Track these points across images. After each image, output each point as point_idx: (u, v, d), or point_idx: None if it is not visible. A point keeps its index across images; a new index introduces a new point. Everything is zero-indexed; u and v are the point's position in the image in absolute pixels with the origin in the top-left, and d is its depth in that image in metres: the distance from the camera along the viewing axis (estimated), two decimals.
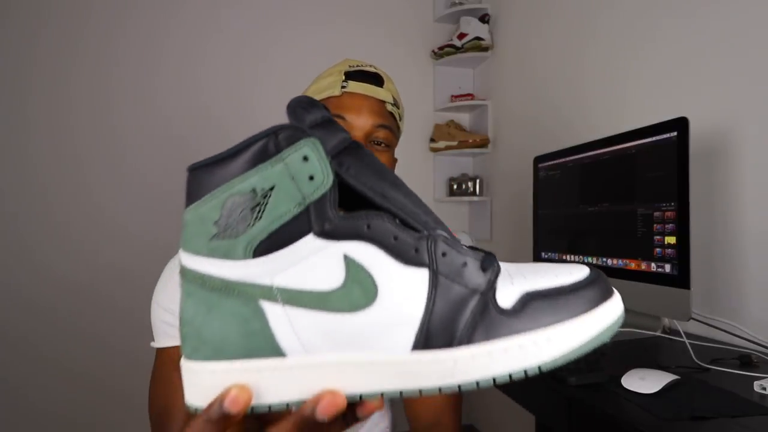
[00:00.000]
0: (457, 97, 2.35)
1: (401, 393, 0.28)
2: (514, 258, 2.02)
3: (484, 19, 2.27)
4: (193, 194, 0.29)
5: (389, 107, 0.72)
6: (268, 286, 0.28)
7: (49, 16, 1.97)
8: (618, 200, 1.17)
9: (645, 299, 1.08)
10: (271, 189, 0.28)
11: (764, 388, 0.77)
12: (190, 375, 0.29)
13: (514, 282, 0.30)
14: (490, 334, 0.28)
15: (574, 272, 0.30)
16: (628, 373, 0.81)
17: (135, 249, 2.03)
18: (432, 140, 2.39)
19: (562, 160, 1.39)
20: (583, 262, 1.28)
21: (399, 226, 0.29)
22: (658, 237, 1.05)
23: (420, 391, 0.28)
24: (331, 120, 0.30)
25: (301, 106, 0.30)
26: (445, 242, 0.29)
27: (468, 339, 0.28)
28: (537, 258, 1.51)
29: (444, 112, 2.44)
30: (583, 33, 1.66)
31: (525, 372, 0.28)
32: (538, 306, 0.28)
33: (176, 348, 0.66)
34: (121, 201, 2.04)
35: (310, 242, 0.28)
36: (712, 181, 1.17)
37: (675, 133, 1.00)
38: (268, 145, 0.28)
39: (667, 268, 1.02)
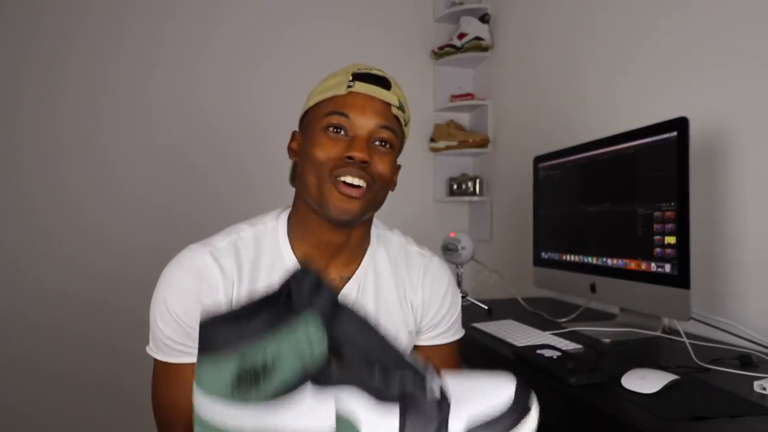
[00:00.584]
0: (457, 97, 2.35)
1: None
2: (515, 258, 2.02)
3: (484, 19, 2.27)
4: (208, 343, 0.35)
5: (395, 110, 0.71)
6: (275, 428, 0.35)
7: (39, 18, 1.95)
8: (618, 200, 1.17)
9: (645, 299, 1.08)
10: (280, 355, 0.34)
11: (764, 388, 0.77)
12: None
13: (460, 408, 0.38)
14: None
15: (502, 389, 0.39)
16: (628, 373, 0.81)
17: (120, 254, 2.01)
18: (432, 140, 2.38)
19: (562, 160, 1.39)
20: (583, 263, 1.28)
21: (378, 374, 0.37)
22: (658, 237, 1.05)
23: None
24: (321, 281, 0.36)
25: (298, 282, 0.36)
26: (412, 388, 0.37)
27: None
28: (537, 258, 1.51)
29: (444, 112, 2.43)
30: (583, 33, 1.66)
31: None
32: None
33: (171, 365, 0.68)
34: (106, 206, 2.02)
35: (307, 390, 0.35)
36: (712, 181, 1.17)
37: (675, 133, 1.00)
38: (283, 310, 0.35)
39: (667, 268, 1.02)
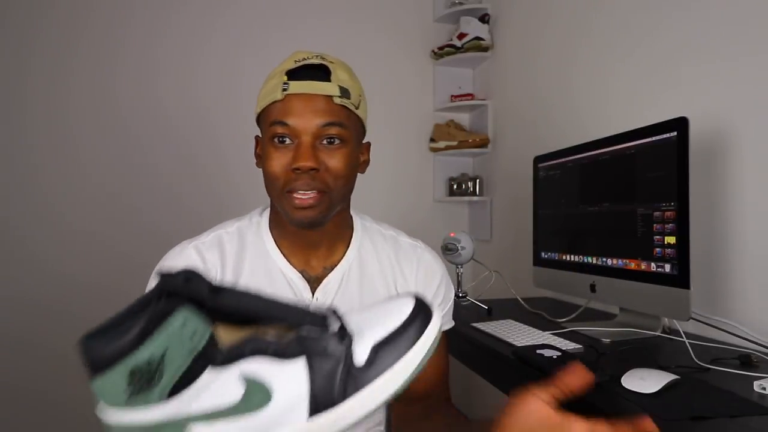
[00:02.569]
0: (457, 97, 2.35)
1: None
2: (515, 258, 2.02)
3: (484, 19, 2.27)
4: (92, 365, 0.32)
5: (338, 101, 0.69)
6: (187, 415, 0.34)
7: (4, 16, 1.95)
8: (618, 200, 1.17)
9: (645, 299, 1.08)
10: (164, 354, 0.33)
11: (764, 388, 0.77)
12: None
13: (364, 336, 0.38)
14: (358, 386, 0.37)
15: (403, 308, 0.40)
16: (628, 373, 0.81)
17: (89, 258, 2.00)
18: (432, 140, 2.38)
19: (562, 160, 1.39)
20: (582, 263, 1.28)
21: (271, 336, 0.36)
22: (658, 237, 1.05)
23: None
24: (194, 273, 0.36)
25: (168, 279, 0.35)
26: (308, 331, 0.36)
27: (344, 396, 0.36)
28: (537, 258, 1.51)
29: (444, 112, 2.43)
30: (583, 33, 1.66)
31: (385, 402, 0.37)
32: (384, 353, 0.38)
33: None
34: (80, 208, 2.00)
35: (209, 374, 0.35)
36: (712, 181, 1.17)
37: (675, 133, 1.00)
38: (149, 323, 0.33)
39: (667, 268, 1.02)
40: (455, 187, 2.37)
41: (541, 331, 1.14)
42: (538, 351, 0.94)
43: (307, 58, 0.71)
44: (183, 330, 0.34)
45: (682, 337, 1.02)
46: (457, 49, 2.29)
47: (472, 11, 2.31)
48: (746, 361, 0.92)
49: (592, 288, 1.25)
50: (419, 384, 0.76)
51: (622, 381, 0.80)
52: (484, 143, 2.26)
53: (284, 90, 0.68)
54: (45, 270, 1.96)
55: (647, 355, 0.99)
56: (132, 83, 2.06)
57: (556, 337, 1.09)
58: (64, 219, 1.98)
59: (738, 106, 1.12)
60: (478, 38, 2.25)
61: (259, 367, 0.35)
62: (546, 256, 1.47)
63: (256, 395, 0.35)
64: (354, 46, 2.31)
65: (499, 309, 1.48)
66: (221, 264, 0.73)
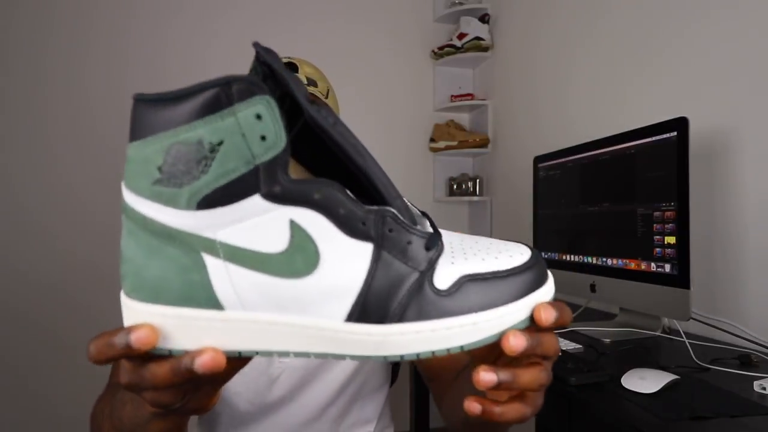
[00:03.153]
0: (457, 97, 2.35)
1: (326, 356, 0.29)
2: None
3: (484, 19, 2.27)
4: (137, 130, 0.27)
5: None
6: (211, 239, 0.27)
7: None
8: (618, 200, 1.17)
9: (645, 299, 1.08)
10: (220, 144, 0.26)
11: (764, 388, 0.77)
12: (128, 312, 0.29)
13: (455, 262, 0.30)
14: (421, 314, 0.29)
15: (515, 255, 0.31)
16: (628, 373, 0.81)
17: (58, 259, 1.99)
18: (432, 140, 2.38)
19: (562, 160, 1.39)
20: (582, 263, 1.29)
21: (350, 198, 0.28)
22: (658, 237, 1.05)
23: (347, 357, 0.29)
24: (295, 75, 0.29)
25: (268, 52, 0.28)
26: (393, 219, 0.29)
27: (400, 316, 0.28)
28: None
29: (444, 112, 2.44)
30: (583, 33, 1.66)
31: (447, 350, 0.29)
32: (472, 289, 0.29)
33: None
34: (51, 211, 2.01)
35: (256, 203, 0.27)
36: (712, 181, 1.17)
37: (675, 133, 1.00)
38: (219, 95, 0.26)
39: (667, 268, 1.02)
40: (455, 187, 2.37)
41: None
42: None
43: None
44: (254, 125, 0.26)
45: (682, 337, 1.02)
46: (457, 49, 2.29)
47: (472, 11, 2.31)
48: (746, 361, 0.92)
49: (592, 288, 1.25)
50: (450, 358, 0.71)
51: (622, 381, 0.80)
52: (484, 143, 2.26)
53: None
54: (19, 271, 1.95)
55: (647, 355, 0.99)
56: (132, 83, 2.06)
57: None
58: (33, 219, 1.98)
59: (738, 106, 1.12)
60: (478, 38, 2.25)
61: (317, 224, 0.28)
62: (546, 256, 1.47)
63: (299, 256, 0.28)
64: (354, 47, 2.31)
65: None
66: None
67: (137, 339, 0.28)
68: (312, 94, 0.27)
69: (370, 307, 0.28)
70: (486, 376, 0.30)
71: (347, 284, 0.28)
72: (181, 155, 0.26)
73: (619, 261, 1.16)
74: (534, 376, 0.32)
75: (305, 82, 0.71)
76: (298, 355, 0.29)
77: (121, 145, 2.04)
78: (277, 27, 2.21)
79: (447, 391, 0.68)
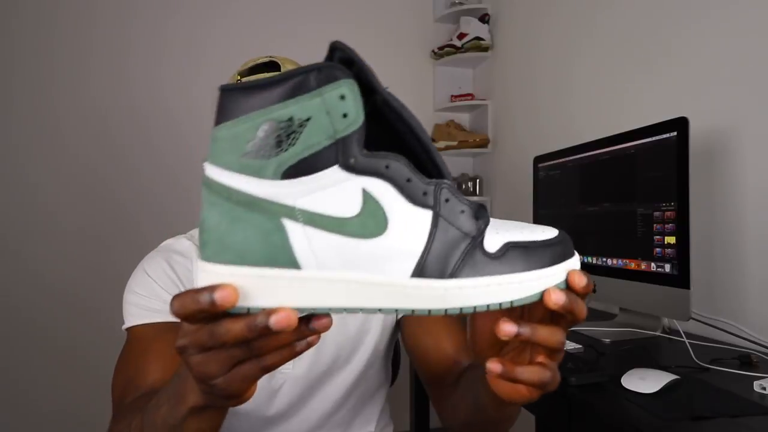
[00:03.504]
0: (457, 97, 2.35)
1: (396, 311, 0.33)
2: None
3: (484, 19, 2.27)
4: (226, 113, 0.31)
5: None
6: (291, 206, 0.31)
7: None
8: (618, 200, 1.17)
9: (645, 299, 1.08)
10: (307, 120, 0.30)
11: (764, 388, 0.77)
12: (207, 275, 0.31)
13: (499, 232, 0.35)
14: (475, 272, 0.33)
15: (546, 232, 0.37)
16: (628, 373, 0.81)
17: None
18: (432, 140, 2.38)
19: (562, 160, 1.39)
20: (583, 263, 1.28)
21: (413, 170, 0.33)
22: (658, 237, 1.05)
23: (413, 311, 0.33)
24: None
25: (344, 46, 0.33)
26: (449, 190, 0.34)
27: (457, 274, 0.33)
28: None
29: (444, 112, 2.44)
30: (583, 33, 1.66)
31: (500, 305, 0.33)
32: (516, 254, 0.34)
33: (145, 326, 0.69)
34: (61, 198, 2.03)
35: (335, 173, 0.31)
36: (712, 181, 1.17)
37: (675, 133, 1.00)
38: (309, 79, 0.30)
39: (667, 268, 1.02)
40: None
41: None
42: None
43: (256, 60, 0.76)
44: (338, 104, 0.30)
45: (682, 337, 1.02)
46: (457, 49, 2.29)
47: (472, 11, 2.31)
48: (746, 361, 0.92)
49: (593, 288, 1.25)
50: (441, 355, 0.73)
51: (622, 381, 0.80)
52: (484, 143, 2.26)
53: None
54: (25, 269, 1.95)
55: (647, 355, 0.99)
56: (132, 84, 2.06)
57: None
58: (53, 219, 1.98)
59: (738, 106, 1.12)
60: (478, 38, 2.25)
61: (386, 193, 0.32)
62: None
63: (370, 220, 0.32)
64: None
65: None
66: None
67: (221, 297, 0.30)
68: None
69: (431, 266, 0.33)
70: (507, 326, 0.35)
71: (411, 245, 0.32)
72: (272, 130, 0.30)
73: (619, 261, 1.16)
74: (552, 332, 0.36)
75: None
76: (366, 311, 0.33)
77: (124, 143, 2.04)
78: (277, 27, 2.21)
79: (447, 395, 0.68)
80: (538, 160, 1.51)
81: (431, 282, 0.33)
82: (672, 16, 1.30)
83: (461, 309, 0.33)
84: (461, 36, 2.27)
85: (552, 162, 1.44)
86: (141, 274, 0.72)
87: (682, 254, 0.98)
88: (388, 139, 0.34)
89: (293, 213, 0.31)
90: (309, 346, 0.34)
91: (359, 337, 0.79)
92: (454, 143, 2.30)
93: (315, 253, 0.31)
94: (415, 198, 0.33)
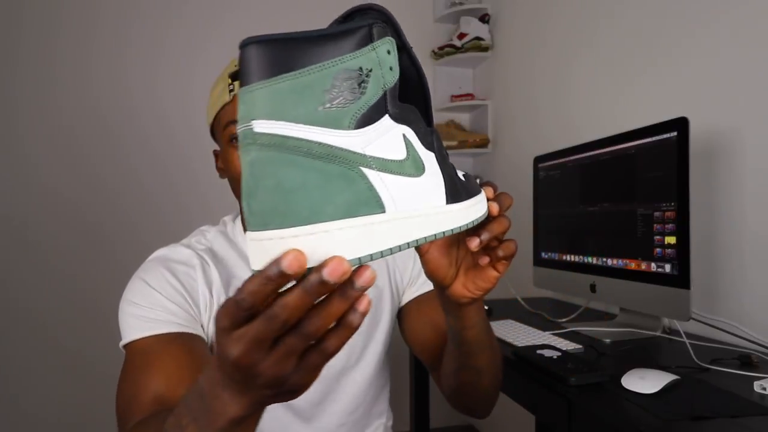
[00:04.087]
0: (457, 97, 2.35)
1: (444, 233, 0.39)
2: (515, 258, 2.02)
3: (484, 19, 2.27)
4: (285, 63, 0.30)
5: None
6: (363, 154, 0.32)
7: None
8: (618, 200, 1.17)
9: (645, 299, 1.08)
10: (370, 71, 0.32)
11: (764, 388, 0.77)
12: (274, 244, 0.30)
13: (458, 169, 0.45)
14: (471, 193, 0.43)
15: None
16: (628, 373, 0.81)
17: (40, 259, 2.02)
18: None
19: (562, 160, 1.39)
20: (583, 263, 1.29)
21: (422, 120, 0.38)
22: (658, 237, 1.05)
23: (453, 230, 0.40)
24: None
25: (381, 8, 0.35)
26: (437, 137, 0.40)
27: (466, 195, 0.42)
28: (537, 258, 1.51)
29: (444, 112, 2.44)
30: (584, 33, 1.66)
31: (471, 224, 0.42)
32: (469, 182, 0.45)
33: (147, 339, 0.65)
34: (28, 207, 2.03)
35: (386, 121, 0.34)
36: (712, 181, 1.17)
37: (675, 133, 1.00)
38: (368, 34, 0.32)
39: (667, 268, 1.02)
40: None
41: (541, 332, 1.14)
42: (538, 351, 0.95)
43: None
44: (386, 58, 0.33)
45: (682, 337, 1.02)
46: (457, 49, 2.29)
47: (472, 11, 2.31)
48: (746, 361, 0.92)
49: (592, 288, 1.25)
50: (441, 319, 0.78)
51: (622, 381, 0.80)
52: (484, 143, 2.26)
53: (231, 91, 0.69)
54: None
55: (647, 355, 0.99)
56: (132, 82, 2.06)
57: (557, 338, 1.09)
58: (51, 220, 1.98)
59: (738, 106, 1.12)
60: (478, 38, 2.25)
61: (414, 139, 0.36)
62: (546, 256, 1.47)
63: (411, 162, 0.35)
64: None
65: (499, 309, 1.48)
66: (218, 274, 0.72)
67: (289, 264, 0.28)
68: None
69: (451, 193, 0.40)
70: (473, 241, 0.47)
71: (437, 180, 0.38)
72: (347, 79, 0.31)
73: (619, 261, 1.16)
74: (501, 223, 0.48)
75: None
76: (429, 239, 0.37)
77: (124, 143, 2.04)
78: (277, 27, 2.21)
79: (440, 368, 0.75)
80: (538, 160, 1.51)
81: (460, 204, 0.41)
82: (672, 16, 1.30)
83: (474, 221, 0.42)
84: (461, 36, 2.27)
85: (552, 162, 1.44)
86: (140, 285, 0.68)
87: (682, 254, 0.98)
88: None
89: (366, 161, 0.32)
90: (362, 316, 0.33)
91: (370, 332, 0.80)
92: (454, 143, 2.30)
93: (392, 195, 0.33)
94: (425, 143, 0.37)
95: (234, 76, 0.70)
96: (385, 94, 0.33)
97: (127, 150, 2.06)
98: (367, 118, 0.32)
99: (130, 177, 2.06)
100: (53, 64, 1.98)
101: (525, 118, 2.03)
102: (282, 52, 0.30)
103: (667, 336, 1.12)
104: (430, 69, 2.44)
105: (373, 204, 0.32)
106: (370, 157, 0.32)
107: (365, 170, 0.32)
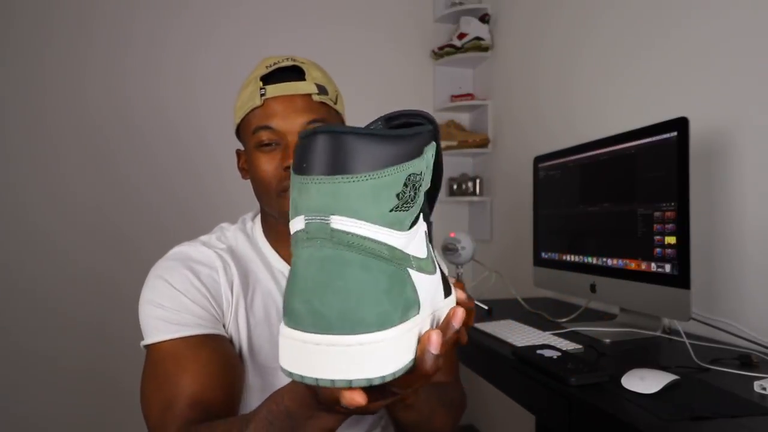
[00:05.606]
0: (457, 97, 2.35)
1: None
2: (515, 258, 2.02)
3: (484, 19, 2.27)
4: (358, 162, 0.29)
5: (316, 98, 0.69)
6: (408, 254, 0.33)
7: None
8: (618, 200, 1.17)
9: (645, 299, 1.08)
10: (421, 174, 0.32)
11: (764, 388, 0.77)
12: (329, 350, 0.28)
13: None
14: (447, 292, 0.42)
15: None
16: (628, 373, 0.81)
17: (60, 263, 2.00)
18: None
19: (562, 160, 1.39)
20: (583, 263, 1.29)
21: (428, 213, 0.39)
22: (658, 237, 1.05)
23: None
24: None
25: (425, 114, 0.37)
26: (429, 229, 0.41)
27: (447, 293, 0.42)
28: (537, 258, 1.51)
29: (444, 112, 2.43)
30: (583, 33, 1.66)
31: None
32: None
33: (171, 341, 0.64)
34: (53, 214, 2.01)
35: (422, 222, 0.35)
36: (712, 181, 1.17)
37: (675, 133, 1.00)
38: (426, 137, 0.33)
39: (667, 268, 1.02)
40: (455, 187, 2.37)
41: (541, 332, 1.14)
42: (538, 351, 0.95)
43: (278, 61, 0.71)
44: (430, 162, 0.34)
45: (682, 337, 1.02)
46: (457, 49, 2.29)
47: (472, 11, 2.31)
48: (746, 361, 0.92)
49: (593, 288, 1.25)
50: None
51: (622, 381, 0.80)
52: (484, 143, 2.26)
53: (262, 95, 0.68)
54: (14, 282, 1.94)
55: (647, 355, 0.99)
56: (133, 88, 2.06)
57: (557, 338, 1.09)
58: (42, 231, 1.98)
59: (738, 106, 1.12)
60: (478, 38, 2.25)
61: (425, 233, 0.37)
62: (546, 256, 1.47)
63: (430, 259, 0.36)
64: (354, 47, 2.31)
65: (499, 309, 1.48)
66: (237, 274, 0.72)
67: (351, 401, 0.31)
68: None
69: (445, 287, 0.40)
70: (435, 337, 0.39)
71: (438, 274, 0.39)
72: (412, 183, 0.31)
73: (619, 261, 1.16)
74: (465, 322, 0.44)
75: (315, 89, 0.69)
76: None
77: (121, 147, 2.04)
78: (277, 28, 2.21)
79: None
80: (538, 160, 1.51)
81: (449, 298, 0.41)
82: (672, 16, 1.30)
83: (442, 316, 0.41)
84: (461, 36, 2.27)
85: (552, 162, 1.44)
86: (164, 286, 0.67)
87: (682, 254, 0.98)
88: None
89: (410, 260, 0.33)
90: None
91: None
92: (454, 143, 2.30)
93: (422, 293, 0.34)
94: (428, 237, 0.38)
95: (265, 79, 0.69)
96: (423, 196, 0.34)
97: (154, 149, 2.06)
98: (415, 220, 0.33)
99: (157, 177, 2.06)
100: (83, 62, 1.98)
101: (525, 117, 2.03)
102: (369, 149, 0.29)
103: (667, 336, 1.12)
104: (430, 69, 2.44)
105: (414, 305, 0.33)
106: (413, 256, 0.33)
107: (410, 270, 0.33)
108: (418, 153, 0.32)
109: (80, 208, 2.00)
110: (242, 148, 0.76)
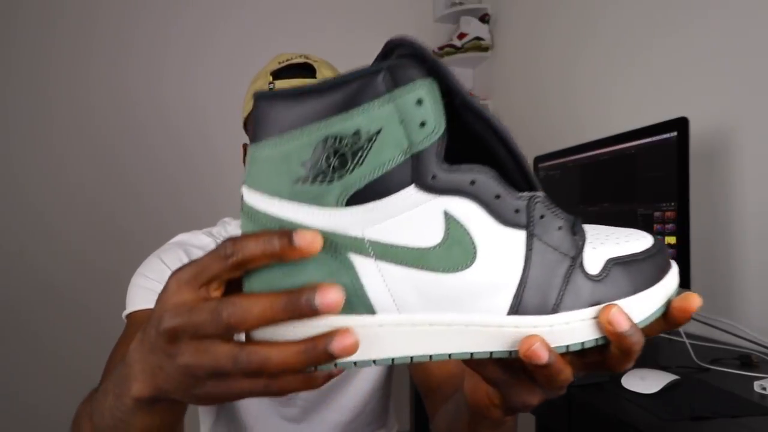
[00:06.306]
0: None
1: (491, 354, 0.28)
2: None
3: (484, 19, 2.27)
4: (268, 126, 0.25)
5: None
6: (359, 238, 0.26)
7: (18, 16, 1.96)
8: (618, 200, 1.17)
9: None
10: (377, 132, 0.25)
11: (764, 388, 0.77)
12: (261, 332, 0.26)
13: (596, 247, 0.29)
14: (579, 300, 0.28)
15: (640, 239, 0.31)
16: (628, 373, 0.81)
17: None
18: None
19: (563, 160, 1.39)
20: None
21: (503, 183, 0.27)
22: (658, 237, 1.04)
23: (510, 353, 0.28)
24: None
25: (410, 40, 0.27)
26: (544, 204, 0.28)
27: (559, 304, 0.27)
28: None
29: None
30: (584, 33, 1.66)
31: (605, 338, 0.28)
32: (619, 273, 0.28)
33: (147, 311, 0.64)
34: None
35: (410, 195, 0.26)
36: (712, 181, 1.17)
37: (675, 133, 1.00)
38: (376, 81, 0.25)
39: None
40: None
41: None
42: None
43: (291, 58, 0.71)
44: (414, 111, 0.25)
45: (682, 337, 1.02)
46: (457, 49, 2.29)
47: (472, 11, 2.31)
48: (746, 361, 0.92)
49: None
50: (447, 378, 0.68)
51: (622, 381, 0.80)
52: None
53: (271, 89, 0.68)
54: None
55: (647, 355, 0.99)
56: (133, 87, 2.06)
57: None
58: (47, 223, 1.98)
59: (738, 106, 1.12)
60: (478, 38, 2.25)
61: (472, 214, 0.26)
62: None
63: (456, 249, 0.26)
64: (354, 47, 2.30)
65: None
66: None
67: (341, 347, 0.25)
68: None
69: (530, 298, 0.27)
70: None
71: (506, 275, 0.27)
72: (335, 148, 0.25)
73: None
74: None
75: None
76: (456, 356, 0.28)
77: (123, 144, 2.04)
78: (277, 28, 2.21)
79: (442, 405, 0.65)
80: (538, 160, 1.51)
81: (533, 320, 0.27)
82: (672, 16, 1.30)
83: (568, 347, 0.28)
84: (461, 36, 2.27)
85: (552, 162, 1.44)
86: (155, 261, 0.69)
87: (682, 254, 0.98)
88: (458, 149, 0.29)
89: (362, 246, 0.26)
90: (326, 378, 0.28)
91: None
92: None
93: (393, 293, 0.26)
94: (505, 217, 0.27)
95: (275, 75, 0.68)
96: (412, 158, 0.25)
97: (153, 143, 2.06)
98: (372, 192, 0.25)
99: (157, 172, 2.06)
100: (86, 62, 1.98)
101: (525, 118, 2.03)
102: (275, 111, 0.25)
103: (667, 336, 1.12)
104: None
105: (355, 303, 0.26)
106: (370, 241, 0.26)
107: (356, 258, 0.26)
108: (344, 107, 0.25)
109: (84, 207, 2.00)
110: (248, 142, 0.76)
